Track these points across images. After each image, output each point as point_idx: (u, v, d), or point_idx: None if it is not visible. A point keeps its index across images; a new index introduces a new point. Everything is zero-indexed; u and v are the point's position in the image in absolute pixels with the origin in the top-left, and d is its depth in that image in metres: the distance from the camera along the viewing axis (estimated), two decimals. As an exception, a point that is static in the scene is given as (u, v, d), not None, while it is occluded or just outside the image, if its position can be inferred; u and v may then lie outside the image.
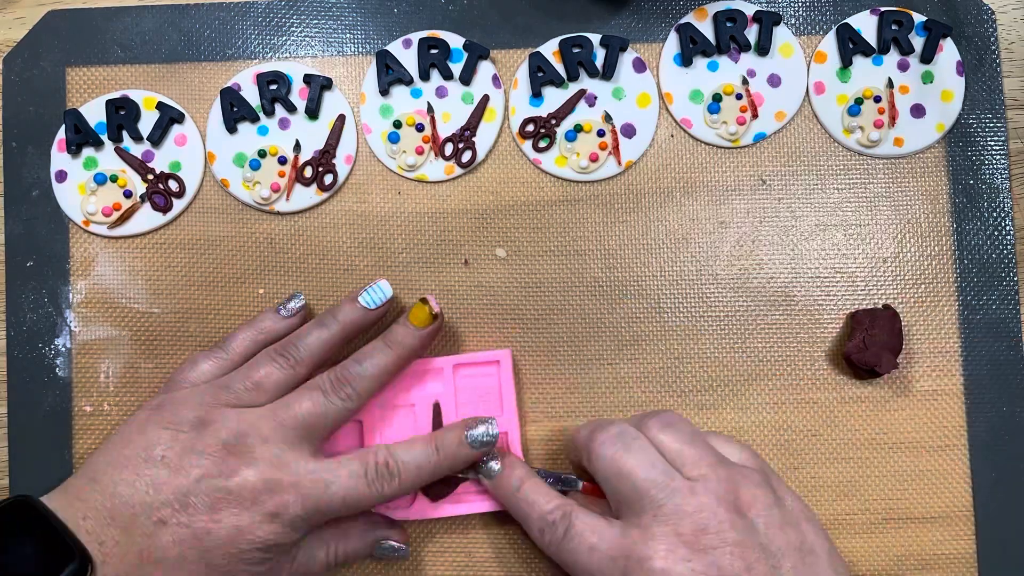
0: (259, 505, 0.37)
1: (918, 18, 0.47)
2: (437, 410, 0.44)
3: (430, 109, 0.47)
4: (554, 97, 0.48)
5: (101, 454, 0.39)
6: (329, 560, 0.41)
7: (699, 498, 0.36)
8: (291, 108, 0.47)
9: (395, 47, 0.48)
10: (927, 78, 0.47)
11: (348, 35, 0.48)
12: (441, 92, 0.48)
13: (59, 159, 0.47)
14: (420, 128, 0.47)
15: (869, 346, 0.44)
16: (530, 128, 0.47)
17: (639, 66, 0.48)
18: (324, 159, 0.47)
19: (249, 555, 0.37)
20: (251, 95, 0.47)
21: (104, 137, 0.47)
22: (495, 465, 0.41)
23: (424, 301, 0.42)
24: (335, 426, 0.40)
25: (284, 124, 0.47)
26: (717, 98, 0.47)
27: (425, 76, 0.47)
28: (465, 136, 0.47)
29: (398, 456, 0.40)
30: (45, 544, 0.35)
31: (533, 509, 0.39)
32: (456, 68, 0.47)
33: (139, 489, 0.37)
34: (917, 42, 0.47)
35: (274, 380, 0.40)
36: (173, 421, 0.39)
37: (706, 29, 0.48)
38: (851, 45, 0.47)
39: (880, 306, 0.46)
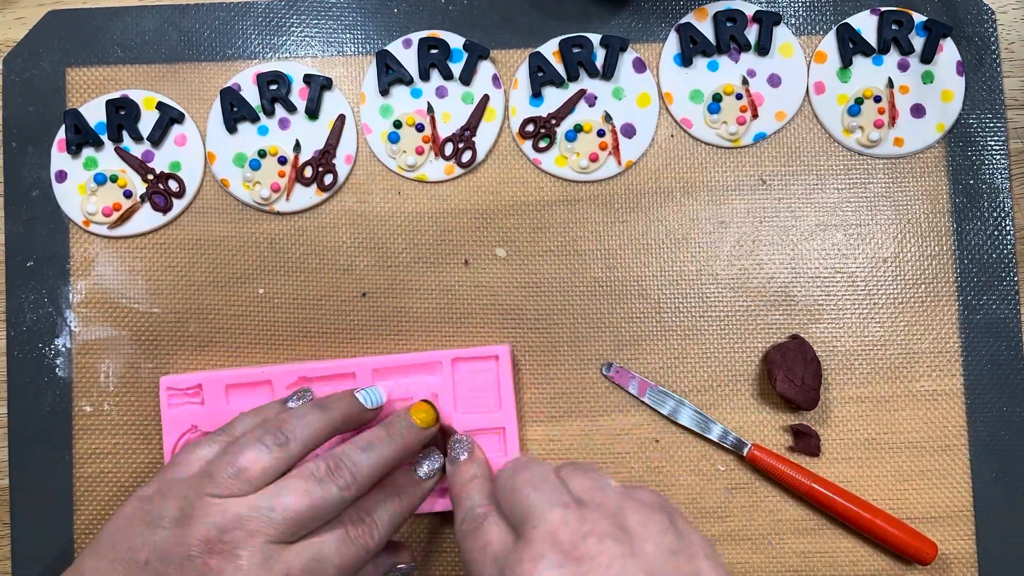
0: None
1: (918, 18, 0.47)
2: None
3: (430, 109, 0.47)
4: (554, 97, 0.48)
5: (91, 555, 0.36)
6: None
7: (585, 513, 0.33)
8: (291, 108, 0.47)
9: (395, 47, 0.48)
10: (927, 78, 0.47)
11: (348, 35, 0.48)
12: (441, 92, 0.48)
13: (59, 159, 0.47)
14: (420, 128, 0.47)
15: (795, 382, 0.44)
16: (530, 128, 0.47)
17: (639, 66, 0.48)
18: (324, 159, 0.47)
19: None
20: (251, 95, 0.47)
21: (104, 137, 0.47)
22: (462, 455, 0.41)
23: (428, 403, 0.42)
24: (327, 519, 0.37)
25: (284, 124, 0.47)
26: (717, 98, 0.47)
27: (425, 76, 0.47)
28: (465, 136, 0.47)
29: (371, 510, 0.38)
30: None
31: (468, 501, 0.38)
32: (456, 68, 0.47)
33: None
34: (917, 42, 0.47)
35: (260, 467, 0.36)
36: (156, 516, 0.36)
37: (706, 29, 0.48)
38: (851, 45, 0.47)
39: (787, 338, 0.46)
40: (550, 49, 0.48)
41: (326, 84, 0.47)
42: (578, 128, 0.47)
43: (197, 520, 0.35)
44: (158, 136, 0.47)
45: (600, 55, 0.47)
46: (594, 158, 0.47)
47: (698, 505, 0.46)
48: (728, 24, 0.47)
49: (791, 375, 0.44)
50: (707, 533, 0.45)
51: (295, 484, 0.36)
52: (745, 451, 0.45)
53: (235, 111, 0.47)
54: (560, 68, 0.47)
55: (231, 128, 0.47)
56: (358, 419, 0.41)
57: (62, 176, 0.47)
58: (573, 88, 0.48)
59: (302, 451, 0.38)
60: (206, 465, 0.37)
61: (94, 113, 0.47)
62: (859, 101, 0.47)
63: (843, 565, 0.45)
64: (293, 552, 0.35)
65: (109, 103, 0.47)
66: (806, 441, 0.45)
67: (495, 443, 0.44)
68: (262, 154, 0.47)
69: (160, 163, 0.47)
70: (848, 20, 0.48)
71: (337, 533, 0.36)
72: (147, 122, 0.47)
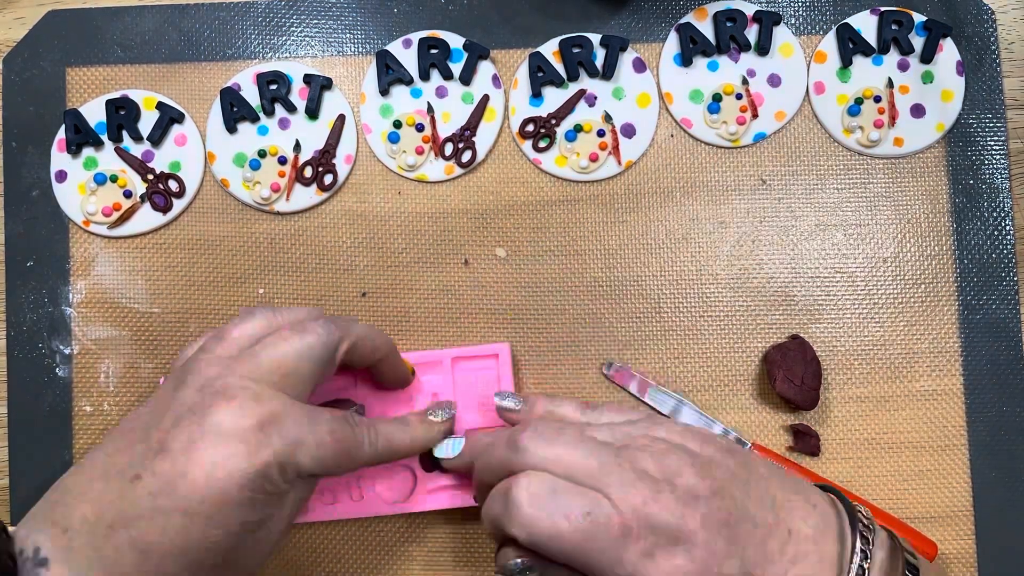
0: (239, 436, 0.33)
1: (918, 18, 0.47)
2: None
3: (430, 109, 0.47)
4: (554, 97, 0.48)
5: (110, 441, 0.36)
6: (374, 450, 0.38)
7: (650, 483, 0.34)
8: (291, 108, 0.47)
9: (395, 47, 0.48)
10: (927, 78, 0.47)
11: (348, 35, 0.48)
12: (441, 92, 0.48)
13: (59, 159, 0.47)
14: (420, 128, 0.47)
15: (794, 382, 0.44)
16: (530, 128, 0.47)
17: (639, 66, 0.48)
18: (324, 159, 0.47)
19: (232, 497, 0.32)
20: (251, 95, 0.47)
21: (104, 137, 0.47)
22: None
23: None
24: (317, 372, 0.36)
25: (284, 124, 0.47)
26: (717, 98, 0.47)
27: (425, 76, 0.47)
28: (465, 136, 0.47)
29: (373, 421, 0.39)
30: None
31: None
32: (456, 68, 0.47)
33: (116, 456, 0.34)
34: (917, 42, 0.47)
35: (249, 332, 0.37)
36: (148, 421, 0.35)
37: (706, 29, 0.48)
38: (851, 45, 0.47)
39: (787, 338, 0.46)
40: (550, 49, 0.48)
41: (326, 84, 0.47)
42: (578, 128, 0.47)
43: (188, 384, 0.35)
44: (158, 136, 0.47)
45: (600, 55, 0.47)
46: (594, 158, 0.47)
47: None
48: (728, 24, 0.47)
49: (791, 375, 0.44)
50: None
51: (279, 334, 0.36)
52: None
53: (235, 111, 0.47)
54: (560, 68, 0.47)
55: (231, 128, 0.47)
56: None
57: (62, 176, 0.47)
58: (573, 88, 0.48)
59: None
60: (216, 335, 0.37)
61: (94, 113, 0.47)
62: (859, 101, 0.47)
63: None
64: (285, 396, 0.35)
65: (109, 103, 0.47)
66: (806, 441, 0.45)
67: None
68: (262, 154, 0.47)
69: (160, 163, 0.47)
70: (848, 20, 0.48)
71: (332, 414, 0.36)
72: (147, 122, 0.47)
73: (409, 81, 0.48)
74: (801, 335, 0.46)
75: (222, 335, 0.37)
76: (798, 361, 0.45)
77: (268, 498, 0.34)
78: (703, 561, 0.32)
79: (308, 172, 0.47)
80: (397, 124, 0.47)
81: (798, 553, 0.33)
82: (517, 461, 0.35)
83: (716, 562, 0.32)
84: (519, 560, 0.34)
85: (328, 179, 0.47)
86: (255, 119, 0.47)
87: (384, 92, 0.47)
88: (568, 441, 0.35)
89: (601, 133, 0.47)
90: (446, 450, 0.41)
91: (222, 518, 0.32)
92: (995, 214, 0.47)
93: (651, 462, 0.34)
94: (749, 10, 0.48)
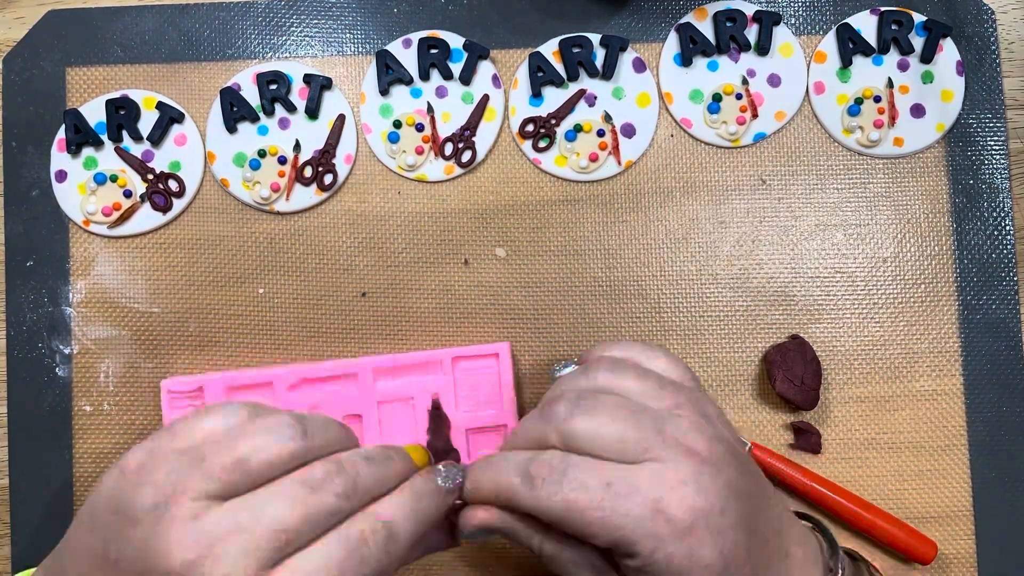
0: None
1: (918, 18, 0.47)
2: (436, 403, 0.44)
3: (430, 109, 0.47)
4: (554, 97, 0.48)
5: (76, 533, 0.32)
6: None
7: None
8: (291, 108, 0.47)
9: (395, 47, 0.48)
10: (927, 78, 0.47)
11: (348, 35, 0.48)
12: (441, 92, 0.48)
13: (59, 159, 0.47)
14: (420, 128, 0.47)
15: (794, 382, 0.44)
16: (530, 128, 0.47)
17: (639, 66, 0.48)
18: (324, 159, 0.47)
19: None
20: (251, 95, 0.47)
21: (104, 137, 0.47)
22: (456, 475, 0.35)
23: (421, 447, 0.36)
24: (320, 530, 0.30)
25: (284, 124, 0.47)
26: (717, 98, 0.47)
27: (425, 76, 0.47)
28: (465, 136, 0.47)
29: (382, 509, 0.32)
30: None
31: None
32: (456, 68, 0.47)
33: None
34: (917, 42, 0.47)
35: (265, 458, 0.30)
36: (128, 504, 0.30)
37: (706, 29, 0.48)
38: (851, 45, 0.47)
39: (787, 338, 0.46)
40: (550, 49, 0.48)
41: (326, 84, 0.47)
42: (578, 128, 0.47)
43: (166, 535, 0.28)
44: (158, 136, 0.47)
45: (600, 55, 0.47)
46: (594, 158, 0.47)
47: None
48: (728, 24, 0.47)
49: (791, 375, 0.44)
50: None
51: (285, 488, 0.30)
52: (744, 450, 0.45)
53: (235, 111, 0.47)
54: (560, 68, 0.47)
55: (231, 128, 0.47)
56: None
57: (62, 176, 0.47)
58: (573, 88, 0.48)
59: (321, 448, 0.31)
60: (205, 440, 0.31)
61: (94, 113, 0.47)
62: (859, 101, 0.47)
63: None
64: None
65: (109, 103, 0.47)
66: (807, 438, 0.45)
67: (497, 441, 0.44)
68: (262, 154, 0.47)
69: (160, 163, 0.47)
70: (848, 20, 0.48)
71: (335, 539, 0.30)
72: (147, 122, 0.47)
73: (409, 81, 0.48)
74: (801, 335, 0.46)
75: (236, 449, 0.30)
76: (798, 361, 0.45)
77: None
78: (726, 559, 0.31)
79: (308, 172, 0.47)
80: (397, 124, 0.47)
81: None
82: (553, 429, 0.33)
83: (736, 566, 0.31)
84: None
85: (328, 179, 0.47)
86: (255, 119, 0.47)
87: (384, 92, 0.47)
88: (608, 409, 0.33)
89: (601, 133, 0.47)
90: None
91: None
92: (995, 214, 0.47)
93: (701, 441, 0.33)
94: (749, 10, 0.48)
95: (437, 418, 0.44)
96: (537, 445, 0.34)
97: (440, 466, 0.35)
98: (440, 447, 0.44)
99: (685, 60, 0.47)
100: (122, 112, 0.47)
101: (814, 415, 0.46)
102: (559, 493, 0.32)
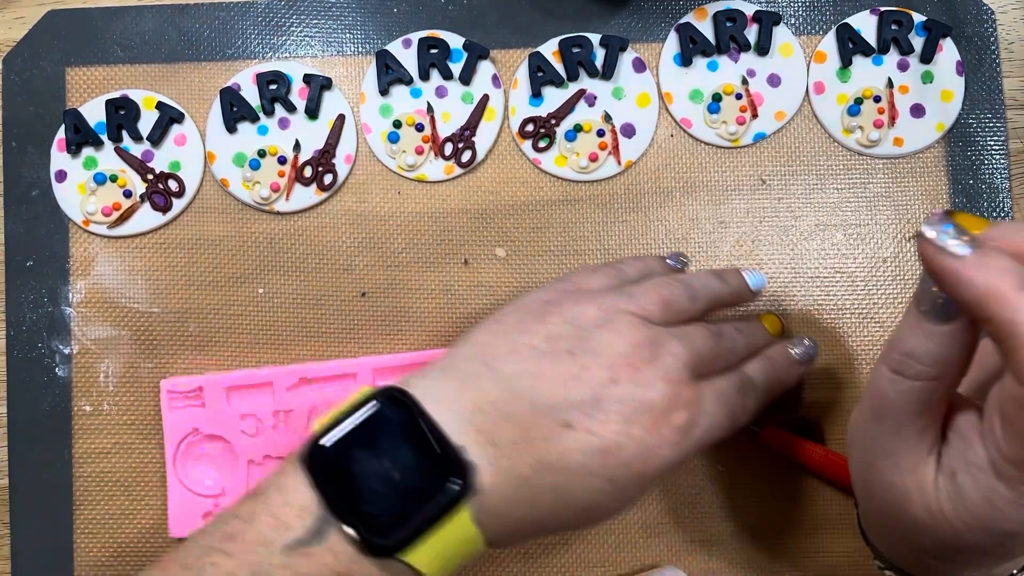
0: (668, 423, 0.33)
1: (918, 18, 0.47)
2: None
3: (430, 109, 0.47)
4: (554, 97, 0.48)
5: (494, 336, 0.35)
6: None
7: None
8: (291, 108, 0.47)
9: (395, 47, 0.48)
10: (927, 78, 0.47)
11: (348, 35, 0.48)
12: (441, 92, 0.48)
13: (59, 159, 0.47)
14: (420, 128, 0.47)
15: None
16: (530, 128, 0.47)
17: (639, 66, 0.48)
18: (324, 159, 0.47)
19: (652, 478, 0.33)
20: (251, 95, 0.47)
21: (104, 137, 0.47)
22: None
23: (775, 315, 0.44)
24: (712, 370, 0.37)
25: (284, 124, 0.47)
26: (717, 98, 0.47)
27: (425, 76, 0.47)
28: (465, 136, 0.47)
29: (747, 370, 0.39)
30: (425, 452, 0.32)
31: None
32: (456, 68, 0.47)
33: (543, 386, 0.33)
34: (917, 42, 0.47)
35: (679, 307, 0.36)
36: (575, 318, 0.35)
37: (706, 29, 0.48)
38: (851, 45, 0.47)
39: None
40: (550, 49, 0.48)
41: (326, 84, 0.47)
42: (578, 128, 0.47)
43: (616, 331, 0.34)
44: (158, 136, 0.47)
45: (600, 55, 0.47)
46: (594, 158, 0.47)
47: (698, 507, 0.46)
48: (728, 24, 0.47)
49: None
50: (708, 533, 0.45)
51: (701, 331, 0.37)
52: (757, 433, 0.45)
53: (235, 111, 0.47)
54: (560, 68, 0.47)
55: (231, 128, 0.47)
56: (744, 298, 0.41)
57: (62, 176, 0.47)
58: (573, 88, 0.48)
59: (704, 310, 0.38)
60: (614, 287, 0.37)
61: (94, 113, 0.47)
62: (859, 101, 0.47)
63: (843, 567, 0.45)
64: (705, 384, 0.36)
65: (109, 103, 0.47)
66: (809, 434, 0.45)
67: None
68: (262, 154, 0.47)
69: (160, 163, 0.47)
70: (848, 20, 0.48)
71: (731, 376, 0.37)
72: (147, 122, 0.47)
73: (409, 81, 0.48)
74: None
75: (658, 291, 0.37)
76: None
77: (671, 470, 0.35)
78: None
79: (308, 172, 0.47)
80: (397, 124, 0.47)
81: None
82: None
83: None
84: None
85: (328, 179, 0.47)
86: (255, 119, 0.47)
87: (384, 92, 0.47)
88: None
89: (601, 133, 0.47)
90: (754, 280, 0.42)
91: (636, 494, 0.34)
92: (995, 214, 0.47)
93: None
94: (749, 10, 0.48)
95: None
96: None
97: (795, 339, 0.42)
98: None
99: (685, 60, 0.47)
100: (122, 112, 0.47)
101: (814, 415, 0.46)
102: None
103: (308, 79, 0.47)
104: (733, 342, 0.38)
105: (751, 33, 0.48)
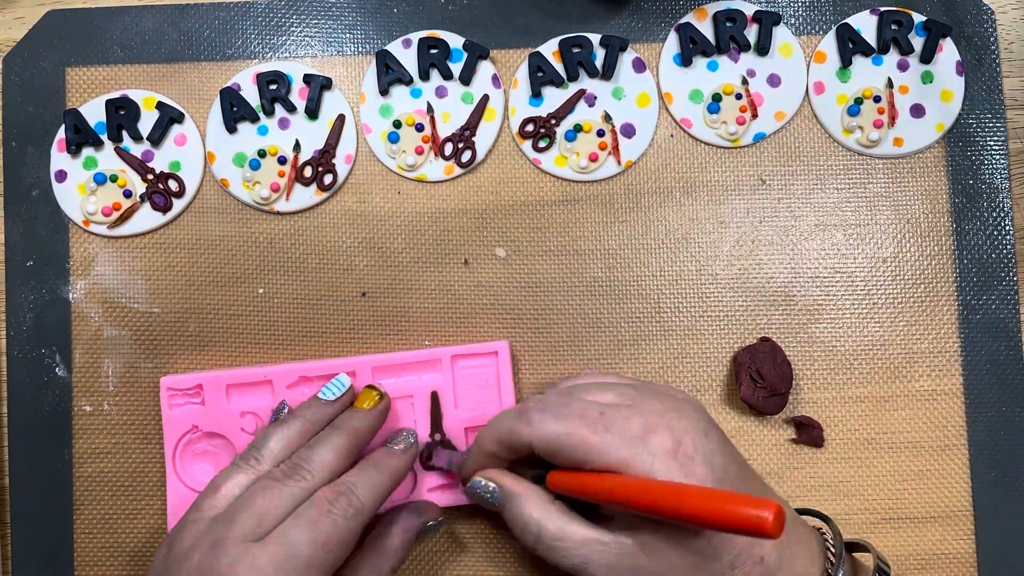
0: None
1: (918, 18, 0.47)
2: (435, 400, 0.44)
3: (430, 109, 0.47)
4: (554, 97, 0.48)
5: None
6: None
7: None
8: (291, 108, 0.47)
9: (395, 47, 0.48)
10: (927, 78, 0.47)
11: (348, 35, 0.48)
12: (441, 92, 0.48)
13: (59, 159, 0.47)
14: (420, 128, 0.47)
15: (759, 386, 0.44)
16: (530, 128, 0.47)
17: (639, 66, 0.48)
18: (324, 159, 0.47)
19: None
20: (251, 95, 0.47)
21: (104, 137, 0.47)
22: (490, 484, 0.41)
23: (371, 387, 0.42)
24: (287, 513, 0.37)
25: (284, 124, 0.47)
26: (717, 98, 0.47)
27: (425, 76, 0.47)
28: (465, 136, 0.47)
29: (346, 481, 0.38)
30: None
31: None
32: (456, 68, 0.47)
33: None
34: (917, 42, 0.47)
35: (277, 511, 0.37)
36: None
37: (706, 29, 0.48)
38: (851, 45, 0.47)
39: (758, 340, 0.46)
40: (550, 49, 0.48)
41: (326, 84, 0.47)
42: (578, 128, 0.47)
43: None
44: (158, 136, 0.47)
45: (600, 55, 0.47)
46: (594, 158, 0.47)
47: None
48: (728, 24, 0.47)
49: (757, 378, 0.44)
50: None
51: (257, 490, 0.37)
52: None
53: (235, 111, 0.47)
54: (560, 68, 0.47)
55: (231, 128, 0.47)
56: (328, 416, 0.41)
57: (62, 176, 0.47)
58: (573, 88, 0.48)
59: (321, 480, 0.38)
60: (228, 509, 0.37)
61: (94, 113, 0.47)
62: (859, 101, 0.47)
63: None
64: (261, 546, 0.35)
65: (109, 103, 0.47)
66: (808, 432, 0.45)
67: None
68: (262, 154, 0.47)
69: (160, 163, 0.47)
70: (848, 20, 0.48)
71: (308, 512, 0.36)
72: (147, 122, 0.47)
73: (409, 81, 0.48)
74: (772, 338, 0.46)
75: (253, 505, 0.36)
76: (767, 364, 0.44)
77: None
78: (718, 477, 0.36)
79: (308, 172, 0.47)
80: (397, 124, 0.47)
81: None
82: (525, 432, 0.38)
83: (730, 482, 0.37)
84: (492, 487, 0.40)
85: (328, 179, 0.47)
86: (255, 119, 0.47)
87: (384, 92, 0.47)
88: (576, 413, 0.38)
89: (601, 133, 0.47)
90: (328, 391, 0.42)
91: None
92: (995, 214, 0.47)
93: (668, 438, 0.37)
94: (749, 10, 0.48)
95: (436, 416, 0.44)
96: (510, 437, 0.39)
97: (393, 434, 0.42)
98: (440, 440, 0.44)
99: (685, 60, 0.47)
100: (122, 112, 0.47)
101: (814, 414, 0.46)
102: (558, 419, 0.37)
103: (308, 79, 0.47)
104: (307, 471, 0.38)
105: (751, 33, 0.48)
